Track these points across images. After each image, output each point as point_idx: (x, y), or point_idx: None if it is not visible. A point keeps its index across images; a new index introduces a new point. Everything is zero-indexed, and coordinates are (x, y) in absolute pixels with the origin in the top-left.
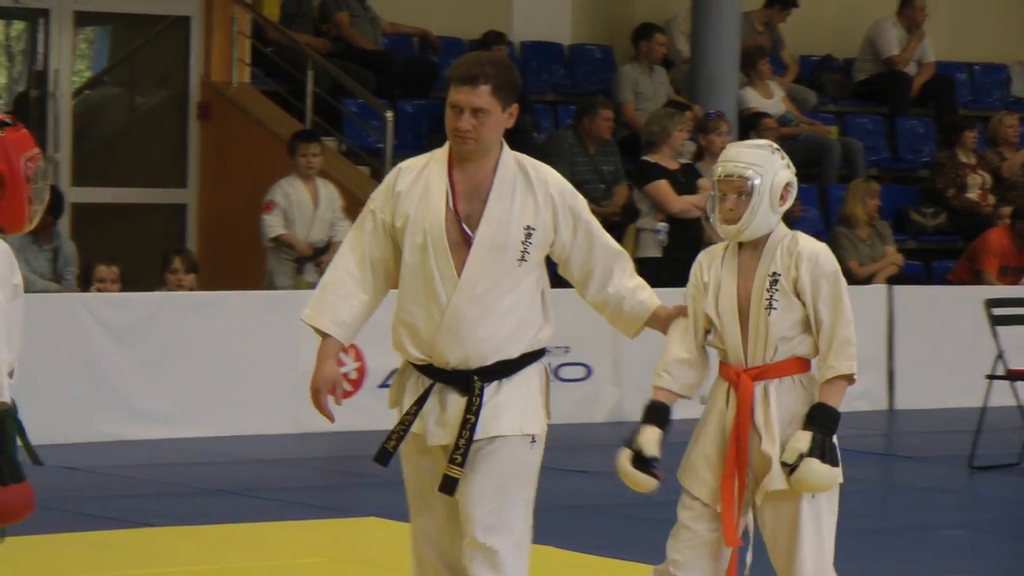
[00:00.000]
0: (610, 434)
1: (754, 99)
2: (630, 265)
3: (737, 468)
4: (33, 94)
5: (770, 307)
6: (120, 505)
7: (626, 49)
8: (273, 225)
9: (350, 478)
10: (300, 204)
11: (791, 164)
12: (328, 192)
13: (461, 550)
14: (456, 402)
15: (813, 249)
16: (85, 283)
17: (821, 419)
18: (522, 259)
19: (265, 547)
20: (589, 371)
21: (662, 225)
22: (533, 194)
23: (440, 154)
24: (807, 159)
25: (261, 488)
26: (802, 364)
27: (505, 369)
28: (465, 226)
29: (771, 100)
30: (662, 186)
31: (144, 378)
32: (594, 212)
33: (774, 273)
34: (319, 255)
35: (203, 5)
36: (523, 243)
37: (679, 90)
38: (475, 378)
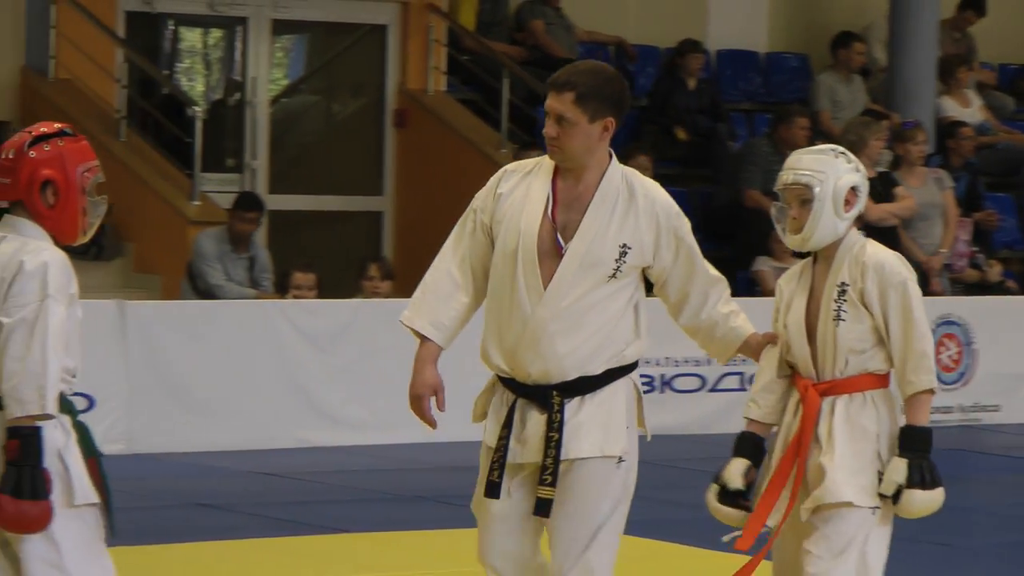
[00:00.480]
0: None
1: (952, 108)
2: (727, 291)
3: (791, 481)
4: (230, 102)
5: (838, 319)
6: (317, 511)
7: (822, 57)
8: None
9: None
10: None
11: (860, 167)
12: None
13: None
14: (536, 419)
15: (879, 258)
16: (282, 290)
17: (912, 442)
18: (613, 276)
19: (461, 554)
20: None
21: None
22: (636, 212)
23: (548, 162)
24: (1005, 168)
25: (457, 495)
26: (875, 380)
27: (588, 385)
28: (560, 236)
29: (969, 109)
30: None
31: (341, 385)
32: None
33: (842, 283)
34: None
35: (400, 13)
36: (616, 260)
37: (876, 99)
38: (554, 393)
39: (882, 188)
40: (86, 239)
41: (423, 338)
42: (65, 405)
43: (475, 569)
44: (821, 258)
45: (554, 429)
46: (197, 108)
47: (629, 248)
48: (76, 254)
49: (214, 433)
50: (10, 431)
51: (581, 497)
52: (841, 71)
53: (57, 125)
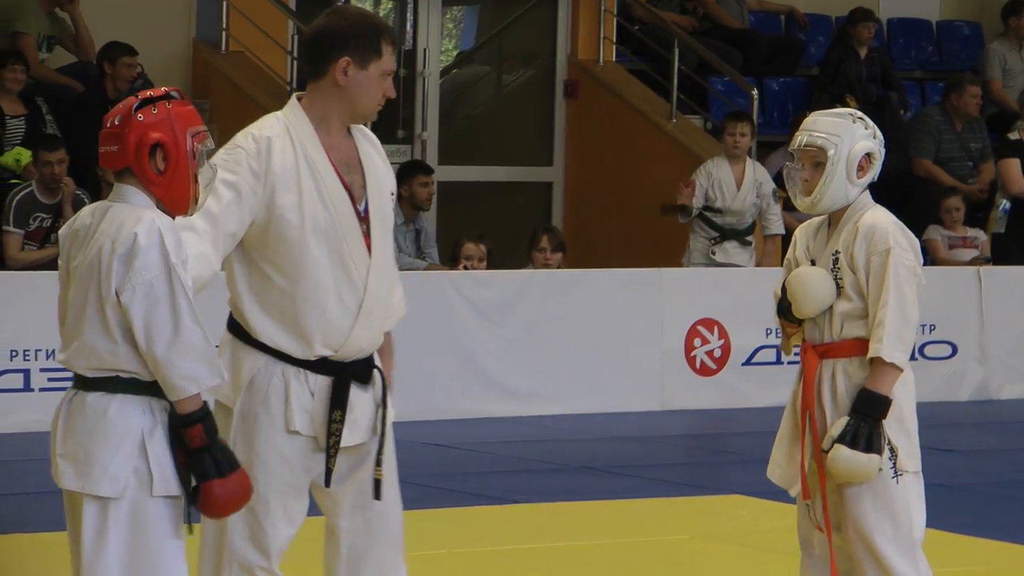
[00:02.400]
0: (975, 412)
1: None
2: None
3: (804, 441)
4: (402, 73)
5: (837, 286)
6: (486, 482)
7: (995, 25)
8: (683, 195)
9: (713, 455)
10: (723, 183)
11: (879, 135)
12: (756, 174)
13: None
14: (363, 398)
15: (873, 224)
16: (452, 261)
17: (862, 404)
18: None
19: (629, 524)
20: (954, 349)
21: (1004, 202)
22: (378, 155)
23: (291, 119)
24: None
25: (625, 465)
26: (867, 346)
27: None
28: (354, 200)
29: None
30: (1011, 165)
31: (510, 356)
32: (952, 190)
33: (835, 252)
34: (740, 235)
35: None
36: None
37: None
38: (375, 370)
39: None
40: (197, 209)
41: None
42: (160, 389)
43: (641, 539)
44: (832, 221)
45: (383, 406)
46: None
47: (393, 193)
48: None
49: None
50: (185, 419)
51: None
52: (1012, 39)
53: (164, 88)
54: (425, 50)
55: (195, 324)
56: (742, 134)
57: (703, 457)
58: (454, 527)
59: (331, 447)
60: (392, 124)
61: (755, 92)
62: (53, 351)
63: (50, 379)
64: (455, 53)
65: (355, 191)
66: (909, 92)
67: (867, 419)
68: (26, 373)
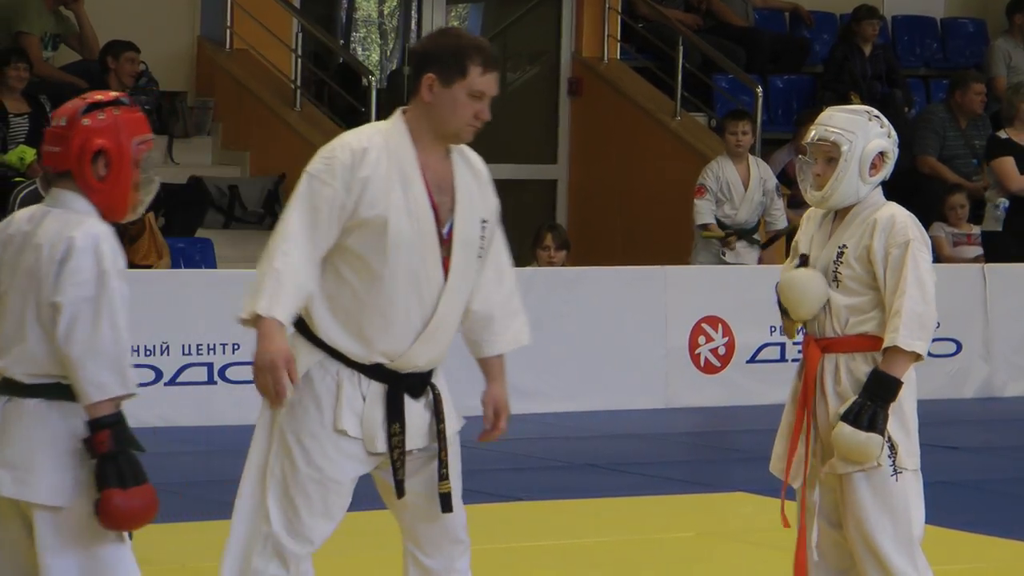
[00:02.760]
0: (979, 410)
1: None
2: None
3: (804, 435)
4: (406, 71)
5: (836, 280)
6: (489, 479)
7: (999, 22)
8: (702, 212)
9: (718, 453)
10: (731, 184)
11: (893, 134)
12: (760, 171)
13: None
14: (416, 408)
15: (891, 217)
16: None
17: (871, 384)
18: (479, 255)
19: (634, 521)
20: (959, 346)
21: (1002, 201)
22: (479, 182)
23: (396, 133)
24: None
25: (629, 463)
26: (874, 342)
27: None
28: (438, 220)
29: None
30: (1006, 163)
31: (515, 353)
32: (956, 188)
33: (841, 246)
34: (748, 234)
35: None
36: (481, 237)
37: None
38: (432, 383)
39: None
40: (135, 216)
41: (271, 320)
42: None
43: (646, 536)
44: (838, 216)
45: (440, 420)
46: (372, 77)
47: (486, 222)
48: (251, 223)
49: None
50: (93, 424)
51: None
52: (1016, 36)
53: (113, 93)
54: None
55: (113, 331)
56: (743, 132)
57: (707, 454)
58: None
59: (396, 459)
60: None
61: (759, 90)
62: None
63: None
64: None
65: (442, 213)
66: (913, 89)
67: (874, 399)
68: None
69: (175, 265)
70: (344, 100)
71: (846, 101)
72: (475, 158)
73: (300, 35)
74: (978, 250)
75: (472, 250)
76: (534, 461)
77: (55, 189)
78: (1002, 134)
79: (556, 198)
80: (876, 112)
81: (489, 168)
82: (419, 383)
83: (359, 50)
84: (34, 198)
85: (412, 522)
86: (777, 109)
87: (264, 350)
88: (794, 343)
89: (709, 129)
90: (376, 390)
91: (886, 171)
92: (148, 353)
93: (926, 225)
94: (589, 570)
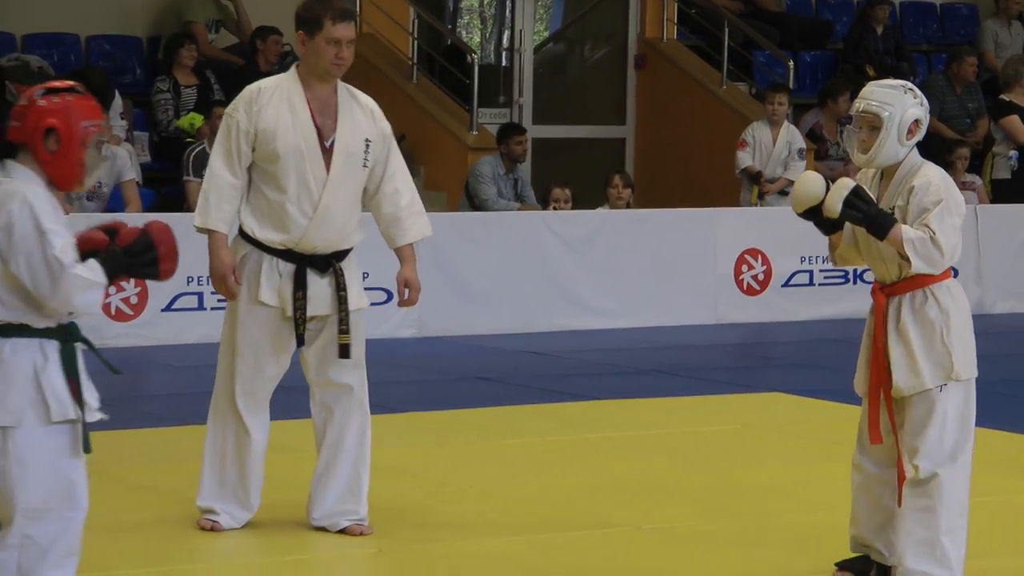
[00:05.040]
0: (974, 325)
1: None
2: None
3: (876, 372)
4: (502, 50)
5: None
6: (569, 383)
7: (989, 6)
8: (743, 159)
9: (758, 360)
10: (764, 144)
11: (925, 103)
12: (788, 135)
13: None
14: (319, 281)
15: (927, 179)
16: (543, 203)
17: (874, 214)
18: (364, 165)
19: (689, 416)
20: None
21: (1013, 153)
22: (365, 114)
23: (288, 79)
24: None
25: (685, 368)
26: (932, 278)
27: (343, 255)
28: (321, 137)
29: None
30: (1013, 120)
31: (591, 280)
32: (960, 142)
33: (893, 206)
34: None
35: None
36: (364, 153)
37: None
38: (333, 260)
39: None
40: (83, 189)
41: (212, 232)
42: (66, 329)
43: (697, 429)
44: (885, 175)
45: (342, 288)
46: (475, 55)
47: (370, 141)
48: None
49: (488, 320)
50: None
51: (357, 340)
52: (1003, 18)
53: (70, 82)
54: (521, 31)
55: (64, 271)
56: (780, 103)
57: (749, 362)
58: (543, 419)
59: (298, 319)
60: (495, 92)
61: (791, 63)
62: None
63: None
64: (545, 33)
65: (324, 130)
66: (917, 62)
67: (865, 204)
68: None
69: None
70: (452, 74)
71: (862, 73)
72: (364, 97)
73: (416, 21)
74: (972, 195)
75: (355, 160)
76: (607, 368)
77: (9, 161)
78: (1004, 97)
79: (625, 153)
80: (911, 85)
81: (571, 129)
82: (322, 262)
83: (464, 33)
84: (202, 156)
85: (316, 370)
86: (805, 79)
87: (213, 265)
88: (823, 271)
89: (750, 96)
90: (287, 269)
91: (920, 134)
92: (191, 282)
93: None
94: (651, 457)
